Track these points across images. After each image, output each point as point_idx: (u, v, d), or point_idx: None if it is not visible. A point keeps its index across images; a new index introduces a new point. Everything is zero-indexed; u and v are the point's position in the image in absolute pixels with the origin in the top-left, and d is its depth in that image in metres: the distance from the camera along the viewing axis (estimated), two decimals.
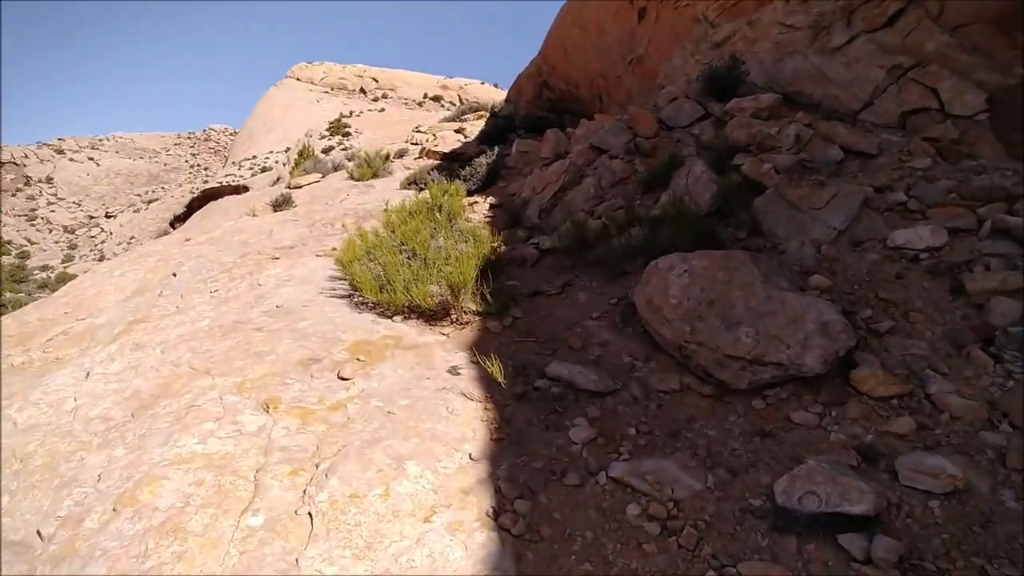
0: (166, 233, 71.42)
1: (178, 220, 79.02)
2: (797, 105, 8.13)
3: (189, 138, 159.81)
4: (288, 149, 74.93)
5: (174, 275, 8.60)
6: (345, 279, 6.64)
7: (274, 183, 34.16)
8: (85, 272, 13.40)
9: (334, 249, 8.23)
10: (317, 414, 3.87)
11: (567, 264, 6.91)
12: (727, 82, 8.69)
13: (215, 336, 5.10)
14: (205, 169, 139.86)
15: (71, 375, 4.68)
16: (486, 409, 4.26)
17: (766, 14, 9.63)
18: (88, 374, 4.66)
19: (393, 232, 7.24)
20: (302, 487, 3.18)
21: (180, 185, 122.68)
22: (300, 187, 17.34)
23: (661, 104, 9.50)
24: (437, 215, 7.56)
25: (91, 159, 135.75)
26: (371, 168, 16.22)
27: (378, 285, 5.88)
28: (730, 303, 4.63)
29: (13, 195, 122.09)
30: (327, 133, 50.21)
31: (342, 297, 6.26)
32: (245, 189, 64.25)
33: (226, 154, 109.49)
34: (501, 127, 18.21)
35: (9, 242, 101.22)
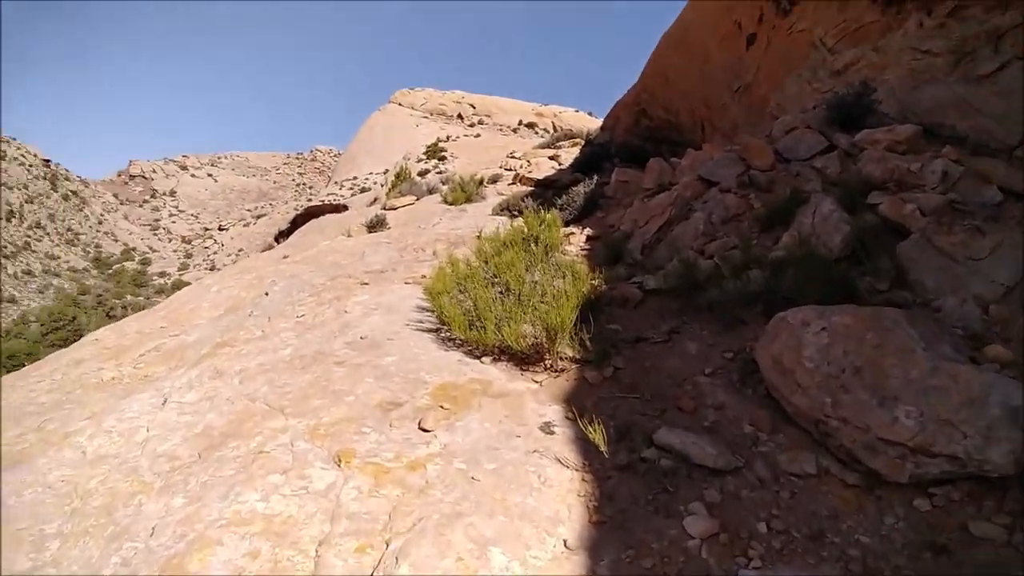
0: (270, 247, 75.50)
1: (282, 235, 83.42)
2: (938, 138, 7.13)
3: (297, 158, 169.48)
4: (386, 171, 77.69)
5: (266, 294, 8.58)
6: (433, 311, 6.26)
7: (371, 203, 35.17)
8: (196, 281, 13.96)
9: (423, 276, 7.92)
10: (393, 474, 3.42)
11: (674, 307, 6.23)
12: (854, 111, 7.78)
13: (295, 369, 4.79)
14: (310, 188, 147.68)
15: (149, 401, 4.48)
16: (584, 481, 3.67)
17: (895, 39, 8.67)
18: (165, 401, 4.45)
19: (486, 263, 6.83)
20: (368, 571, 2.71)
21: (286, 202, 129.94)
22: (395, 209, 17.49)
23: (776, 134, 8.67)
24: (533, 247, 7.08)
25: (210, 175, 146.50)
26: (464, 193, 16.10)
27: (467, 321, 5.44)
28: (883, 373, 3.83)
29: (140, 206, 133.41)
30: (424, 156, 51.49)
31: (429, 331, 5.87)
32: (344, 208, 67.03)
33: (330, 174, 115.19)
34: (596, 155, 17.72)
35: (133, 249, 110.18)
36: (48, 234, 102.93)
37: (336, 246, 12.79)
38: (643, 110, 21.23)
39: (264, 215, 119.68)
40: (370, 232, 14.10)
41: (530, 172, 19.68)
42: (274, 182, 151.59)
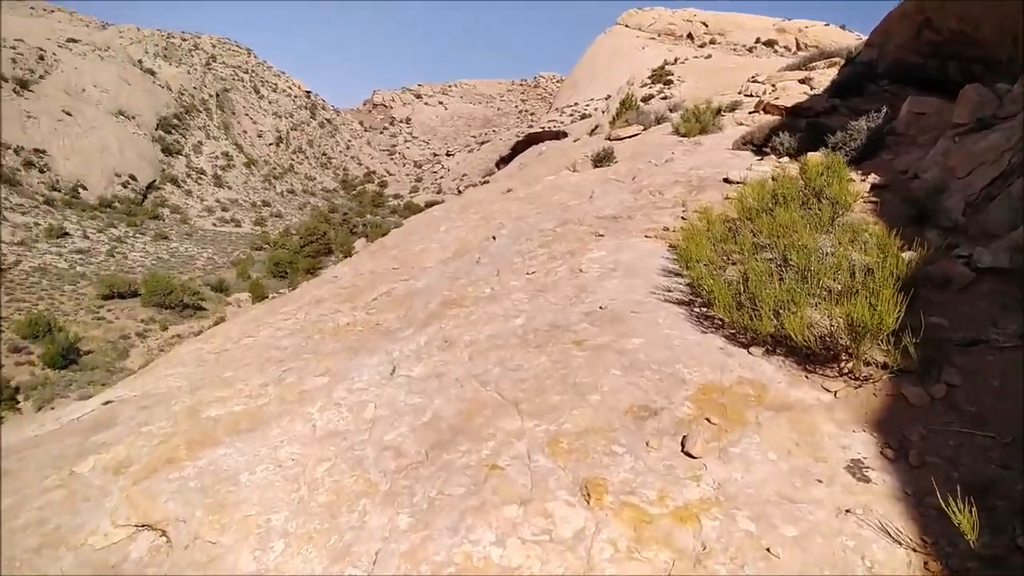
0: (490, 172, 78.43)
1: (502, 161, 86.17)
2: None
3: (520, 85, 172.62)
4: (608, 97, 75.41)
5: (493, 239, 8.18)
6: (682, 276, 5.25)
7: (592, 131, 34.09)
8: (425, 211, 14.35)
9: (665, 229, 6.85)
10: (657, 525, 2.59)
11: (1021, 296, 4.51)
12: None
13: (528, 346, 4.15)
14: (531, 114, 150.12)
15: (377, 368, 4.15)
16: (928, 570, 2.53)
17: None
18: (394, 370, 4.09)
19: (750, 219, 5.56)
20: None
21: (508, 129, 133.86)
22: (620, 139, 16.29)
23: None
24: (816, 205, 5.62)
25: (440, 103, 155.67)
26: (699, 123, 14.36)
27: (734, 300, 4.35)
28: None
29: (380, 132, 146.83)
30: (648, 81, 48.57)
31: (679, 303, 4.87)
32: (564, 135, 66.79)
33: (551, 100, 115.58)
34: (859, 76, 14.67)
35: (373, 172, 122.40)
36: (307, 158, 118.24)
37: (561, 182, 12.11)
38: (927, 20, 17.11)
39: (487, 141, 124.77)
40: (596, 166, 13.18)
41: (776, 98, 17.05)
42: (498, 109, 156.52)
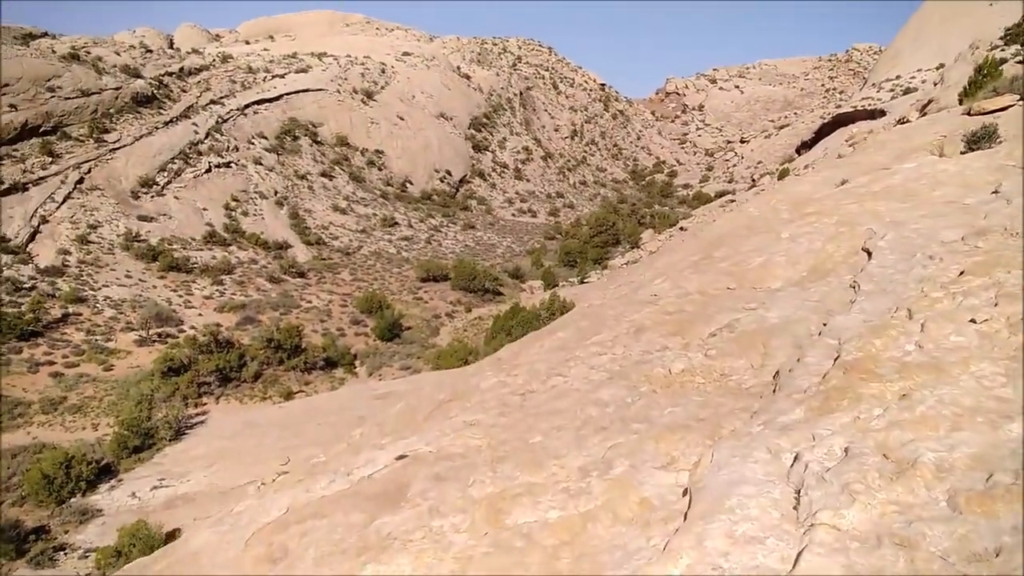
0: (790, 159, 70.61)
1: (804, 146, 77.16)
2: None
3: (829, 60, 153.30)
4: (940, 66, 61.99)
5: (866, 253, 6.00)
6: None
7: (923, 107, 27.60)
8: (734, 205, 12.28)
9: None
10: None
11: None
12: None
13: None
14: (840, 93, 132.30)
15: (764, 489, 2.59)
16: None
17: None
18: (798, 502, 2.48)
19: None
20: None
21: (812, 110, 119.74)
22: (985, 112, 12.20)
23: None
24: None
25: (736, 87, 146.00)
26: None
27: None
28: None
29: (672, 121, 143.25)
30: (1000, 43, 38.03)
31: None
32: (881, 113, 56.77)
33: (865, 75, 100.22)
34: None
35: (663, 162, 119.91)
36: (599, 149, 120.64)
37: (929, 172, 9.10)
38: None
39: (786, 125, 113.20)
40: (971, 149, 9.89)
41: None
42: (801, 89, 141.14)
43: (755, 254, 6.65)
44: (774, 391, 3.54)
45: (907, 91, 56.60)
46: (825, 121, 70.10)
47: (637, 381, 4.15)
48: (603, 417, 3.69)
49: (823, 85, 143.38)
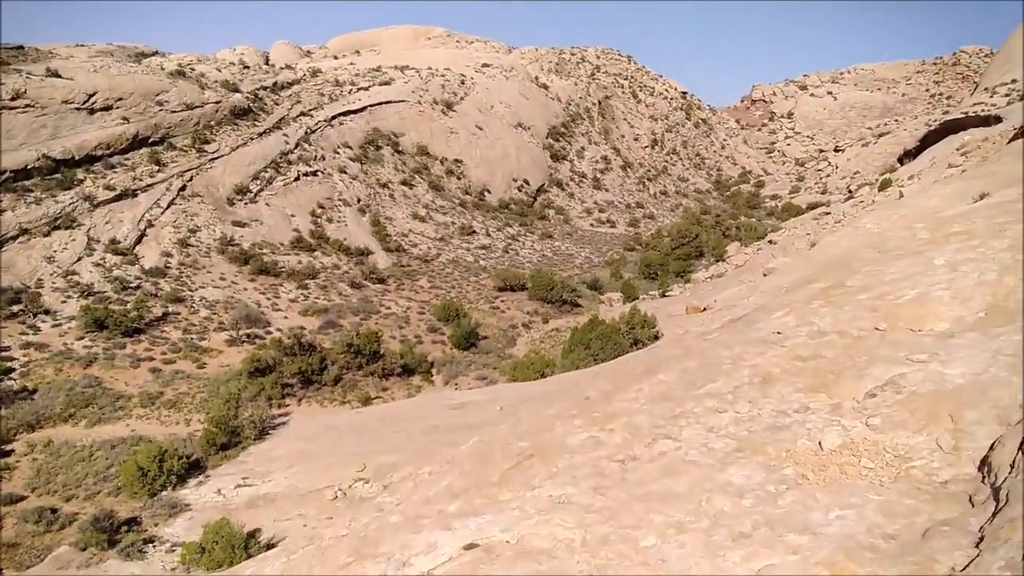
0: (892, 169, 66.24)
1: (907, 155, 72.31)
2: None
3: (935, 64, 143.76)
4: None
5: None
6: None
7: None
8: (828, 218, 11.17)
9: None
10: None
11: None
12: None
13: None
14: (947, 98, 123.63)
15: None
16: None
17: None
18: None
19: None
20: None
21: (915, 117, 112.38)
22: None
23: None
24: None
25: (829, 93, 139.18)
26: None
27: None
28: None
29: (759, 129, 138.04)
30: None
31: None
32: (997, 120, 52.46)
33: (976, 80, 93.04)
34: None
35: (749, 172, 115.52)
36: (680, 159, 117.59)
37: None
38: None
39: (886, 133, 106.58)
40: None
41: None
42: (902, 95, 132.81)
43: (904, 284, 5.68)
44: (996, 500, 2.66)
45: None
46: (931, 128, 65.38)
47: (777, 458, 3.40)
48: (740, 515, 2.92)
49: (927, 90, 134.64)
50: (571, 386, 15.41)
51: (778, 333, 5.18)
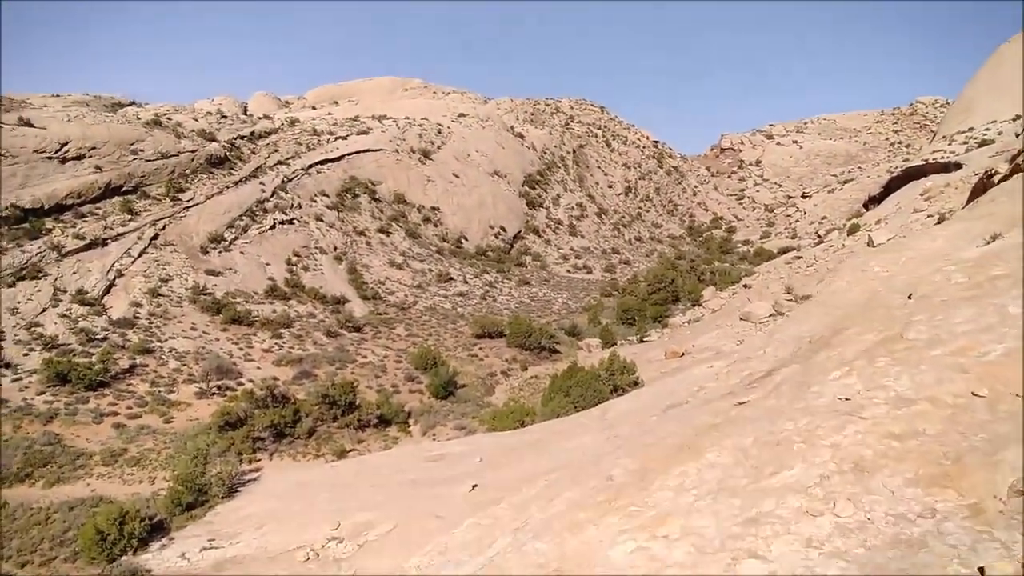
0: (858, 215, 68.16)
1: (872, 201, 74.42)
2: None
3: (892, 114, 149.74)
4: (1018, 117, 59.51)
5: None
6: None
7: (1013, 158, 25.79)
8: (853, 264, 11.10)
9: None
10: None
11: None
12: None
13: None
14: (907, 146, 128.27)
15: None
16: None
17: None
18: None
19: None
20: None
21: (877, 164, 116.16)
22: None
23: None
24: None
25: (795, 142, 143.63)
26: None
27: None
28: None
29: (728, 177, 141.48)
30: None
31: None
32: (956, 166, 54.35)
33: (933, 128, 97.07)
34: None
35: (721, 218, 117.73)
36: (654, 205, 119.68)
37: None
38: None
39: (851, 180, 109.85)
40: None
41: None
42: (864, 143, 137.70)
43: (985, 337, 4.91)
44: None
45: (982, 143, 54.43)
46: (894, 175, 67.60)
47: None
48: None
49: (887, 139, 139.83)
50: (553, 436, 14.88)
51: (846, 399, 4.52)
